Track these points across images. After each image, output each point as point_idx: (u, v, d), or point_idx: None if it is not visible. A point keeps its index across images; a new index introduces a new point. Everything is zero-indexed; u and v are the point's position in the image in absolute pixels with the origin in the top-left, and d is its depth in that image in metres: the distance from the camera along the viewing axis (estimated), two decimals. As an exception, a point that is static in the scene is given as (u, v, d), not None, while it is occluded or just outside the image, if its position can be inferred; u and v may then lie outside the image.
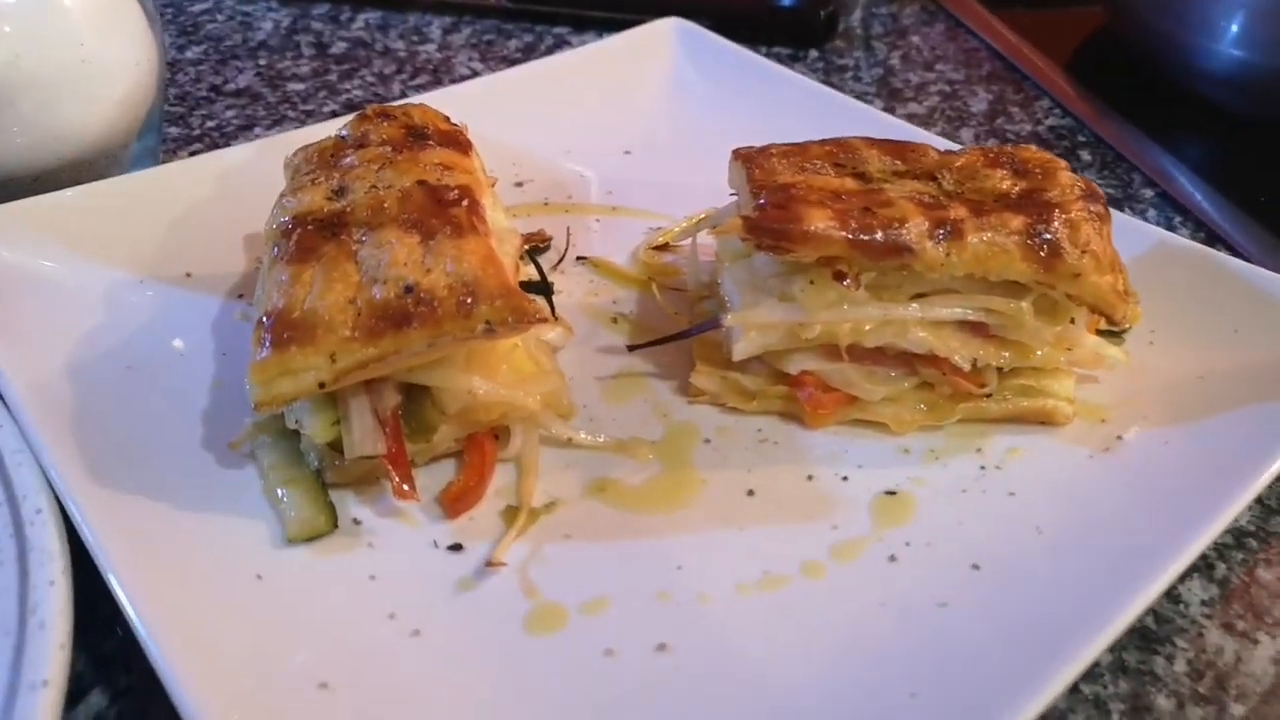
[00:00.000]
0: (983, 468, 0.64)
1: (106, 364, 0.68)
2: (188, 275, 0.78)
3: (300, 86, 1.14)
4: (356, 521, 0.60)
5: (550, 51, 1.24)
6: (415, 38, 1.25)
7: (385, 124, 0.73)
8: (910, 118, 1.07)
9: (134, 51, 0.83)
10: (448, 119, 0.76)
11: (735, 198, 0.75)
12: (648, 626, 0.54)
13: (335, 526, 0.59)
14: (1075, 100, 1.15)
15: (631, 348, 0.72)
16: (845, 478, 0.63)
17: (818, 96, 0.99)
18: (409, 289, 0.58)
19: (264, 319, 0.58)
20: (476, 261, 0.60)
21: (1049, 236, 0.63)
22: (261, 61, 1.18)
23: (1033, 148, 0.71)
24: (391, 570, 0.57)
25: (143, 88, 0.85)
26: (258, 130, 1.05)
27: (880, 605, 0.55)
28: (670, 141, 0.98)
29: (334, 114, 1.08)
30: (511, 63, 1.21)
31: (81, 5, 0.79)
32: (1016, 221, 0.63)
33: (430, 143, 0.70)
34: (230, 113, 1.08)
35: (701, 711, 0.50)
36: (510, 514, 0.60)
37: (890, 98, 1.15)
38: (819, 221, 0.62)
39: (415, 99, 0.89)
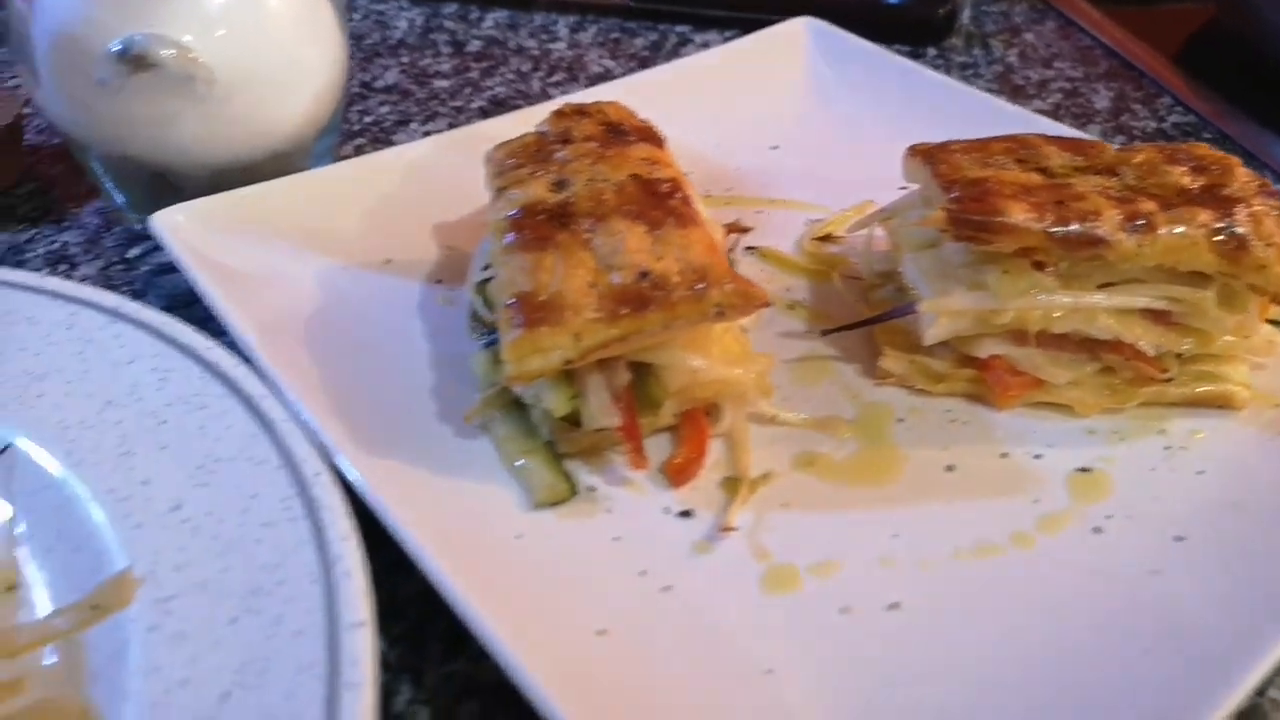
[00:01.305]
0: (1168, 448, 0.68)
1: (338, 343, 0.73)
2: (388, 262, 0.83)
3: (445, 84, 1.19)
4: (591, 489, 0.64)
5: (675, 49, 1.28)
6: (544, 36, 1.30)
7: (584, 120, 0.77)
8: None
9: (330, 50, 0.88)
10: (635, 115, 0.80)
11: (905, 190, 0.79)
12: (877, 587, 0.59)
13: (575, 493, 0.64)
14: (1193, 97, 1.18)
15: (825, 332, 0.76)
16: (1038, 455, 0.67)
17: (954, 92, 1.03)
18: (644, 275, 0.63)
19: (512, 302, 0.63)
20: (702, 250, 0.65)
21: (1235, 230, 0.66)
22: (404, 59, 1.23)
23: (1204, 146, 0.75)
24: (632, 532, 0.62)
25: (335, 85, 0.90)
26: (413, 125, 1.10)
27: (1093, 573, 0.59)
28: (814, 137, 1.02)
29: (483, 110, 1.13)
30: (640, 61, 1.25)
31: (288, 7, 0.85)
32: (1203, 215, 0.67)
33: (631, 138, 0.75)
34: (384, 109, 1.13)
35: (938, 667, 0.55)
36: (730, 484, 0.65)
37: (1014, 95, 1.18)
38: (1018, 214, 0.66)
39: (563, 97, 0.94)
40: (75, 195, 0.97)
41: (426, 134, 1.08)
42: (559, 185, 0.70)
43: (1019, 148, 0.74)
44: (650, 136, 0.77)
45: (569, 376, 0.65)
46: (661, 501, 0.64)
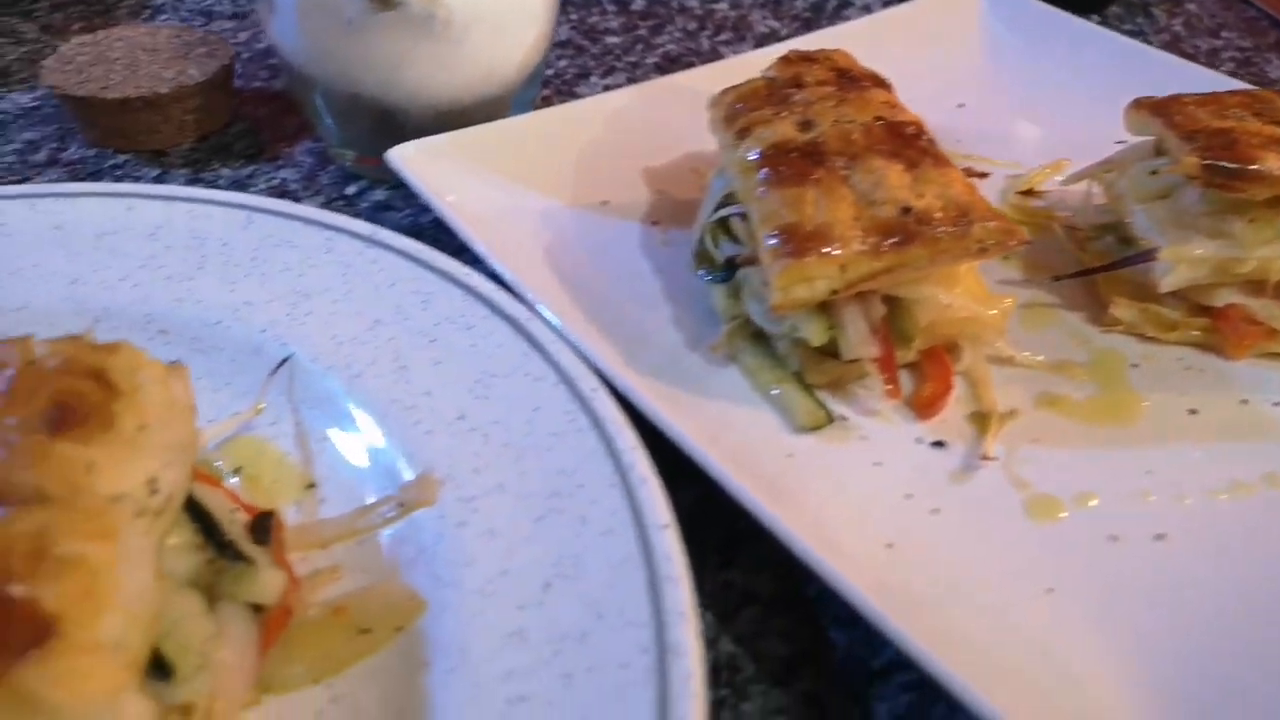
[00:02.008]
0: None
1: (572, 275, 0.76)
2: (605, 203, 0.86)
3: (616, 40, 1.21)
4: (843, 419, 0.67)
5: (836, 10, 1.29)
6: (705, -4, 1.32)
7: (814, 66, 0.79)
8: (1215, 82, 1.11)
9: (547, -3, 0.91)
10: (859, 63, 0.82)
11: (1123, 145, 0.80)
12: (1141, 518, 0.60)
13: (832, 420, 0.66)
14: (1369, 69, 1.17)
15: (1058, 278, 0.77)
16: (1277, 404, 0.68)
17: (1135, 52, 1.04)
18: (907, 210, 0.65)
19: (776, 234, 0.65)
20: (962, 187, 0.66)
21: None
22: (573, 17, 1.26)
23: None
24: (890, 459, 0.64)
25: (548, 32, 0.93)
26: (593, 79, 1.13)
27: (1355, 513, 0.60)
28: (997, 95, 1.03)
29: (658, 66, 1.15)
30: (803, 21, 1.27)
31: (513, -49, 0.87)
32: None
33: (864, 84, 0.77)
34: (563, 62, 1.16)
35: (1208, 598, 0.56)
36: (977, 418, 0.67)
37: (1186, 63, 1.18)
38: (1273, 163, 0.67)
39: (734, 56, 0.96)
40: (284, 135, 1.01)
41: (606, 87, 1.11)
42: (805, 125, 0.72)
43: (1254, 102, 0.75)
44: (881, 82, 0.78)
45: (824, 308, 0.67)
46: (912, 432, 0.66)
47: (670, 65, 1.16)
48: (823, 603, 0.59)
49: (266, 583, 0.51)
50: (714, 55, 1.18)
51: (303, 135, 1.01)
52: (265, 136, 1.01)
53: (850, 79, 0.77)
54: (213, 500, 0.54)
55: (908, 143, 0.70)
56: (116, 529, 0.44)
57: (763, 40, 1.21)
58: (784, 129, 0.72)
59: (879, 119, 0.72)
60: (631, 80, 1.12)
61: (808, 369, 0.68)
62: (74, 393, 0.49)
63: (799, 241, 0.64)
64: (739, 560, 0.61)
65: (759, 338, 0.71)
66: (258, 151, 0.99)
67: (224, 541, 0.51)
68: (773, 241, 0.65)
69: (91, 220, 0.79)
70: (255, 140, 1.00)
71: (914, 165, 0.67)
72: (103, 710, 0.39)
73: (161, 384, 0.54)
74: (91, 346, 0.53)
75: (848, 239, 0.64)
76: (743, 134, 0.74)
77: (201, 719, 0.46)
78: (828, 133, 0.71)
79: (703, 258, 0.78)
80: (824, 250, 0.64)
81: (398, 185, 0.92)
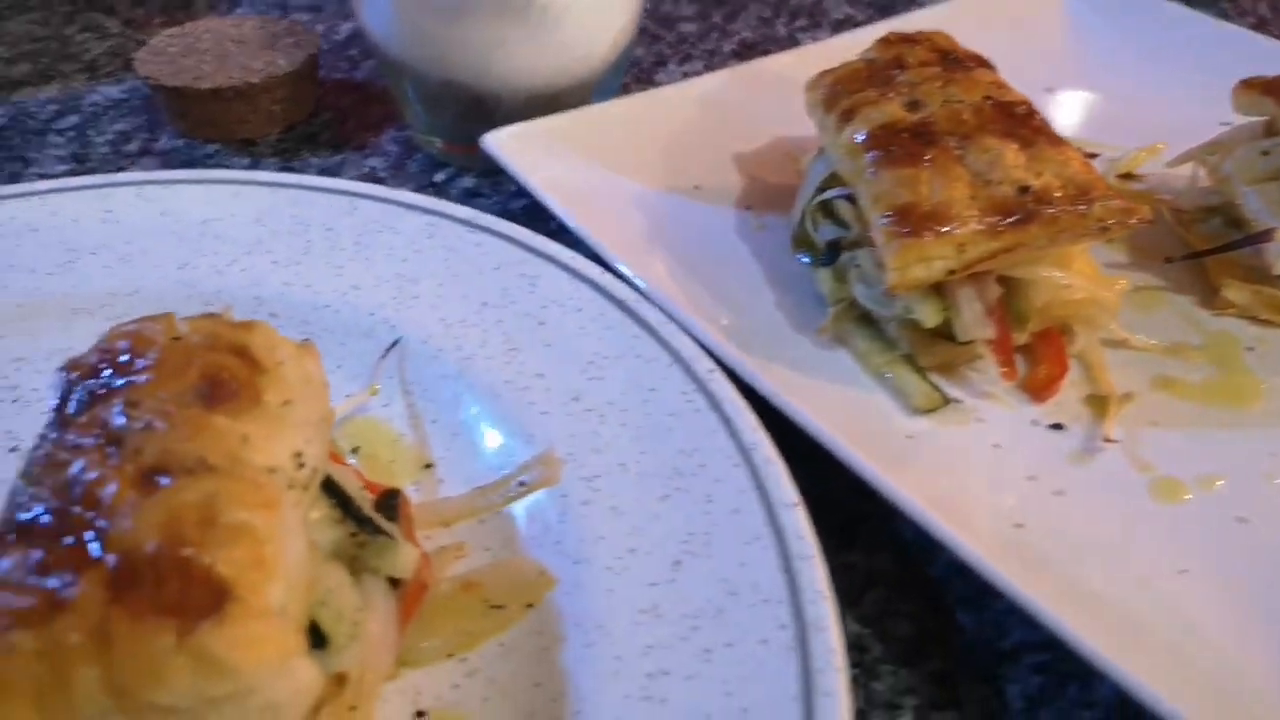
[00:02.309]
0: None
1: (670, 259, 0.76)
2: (697, 188, 0.86)
3: (691, 28, 1.21)
4: (956, 401, 0.66)
5: (910, -2, 1.28)
6: (777, -17, 1.31)
7: (915, 48, 0.79)
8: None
9: (635, -16, 0.91)
10: (959, 44, 0.81)
11: (1227, 126, 0.79)
12: (1268, 499, 0.59)
13: (948, 402, 0.65)
14: None
15: (1170, 260, 0.76)
16: (1403, 385, 0.67)
17: (1224, 33, 1.02)
18: (1025, 189, 0.64)
19: (890, 214, 0.65)
20: (1080, 166, 0.66)
21: None
22: (647, 5, 1.26)
23: None
24: (1009, 441, 0.63)
25: (635, 19, 0.93)
26: (671, 66, 1.13)
27: None
28: (1083, 79, 1.02)
29: (735, 53, 1.15)
30: (879, 7, 1.26)
31: (604, -63, 0.88)
32: None
33: (968, 64, 0.76)
34: (640, 50, 1.16)
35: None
36: (1094, 401, 0.66)
37: (1273, 46, 1.16)
38: (1401, 140, 0.65)
39: (812, 43, 0.95)
40: (368, 124, 1.02)
41: (685, 74, 1.11)
42: (913, 106, 0.72)
43: (1368, 80, 0.73)
44: (984, 63, 0.77)
45: (937, 290, 0.66)
46: (1027, 415, 0.65)
47: (747, 52, 1.15)
48: (946, 584, 0.59)
49: (404, 557, 0.51)
50: (791, 42, 1.17)
51: (386, 124, 1.02)
52: (350, 126, 1.02)
53: (954, 60, 0.77)
54: (343, 477, 0.55)
55: (1020, 122, 0.69)
56: (278, 499, 0.45)
57: (839, 26, 1.20)
58: (891, 110, 0.71)
59: (988, 99, 0.71)
60: (709, 68, 1.12)
61: (919, 351, 0.68)
62: (222, 368, 0.50)
63: (915, 221, 0.64)
64: (858, 543, 0.61)
65: (866, 320, 0.70)
66: (344, 141, 1.00)
67: (361, 516, 0.52)
68: (887, 222, 0.65)
69: (197, 206, 0.80)
70: (340, 130, 1.01)
71: (1029, 144, 0.67)
72: (278, 674, 0.39)
73: (297, 361, 0.54)
74: (230, 324, 0.54)
75: (965, 219, 0.63)
76: (847, 116, 0.73)
77: (353, 690, 0.47)
78: (937, 113, 0.70)
79: (802, 241, 0.78)
80: (941, 230, 0.63)
81: (486, 172, 0.93)
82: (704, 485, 0.57)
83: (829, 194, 0.74)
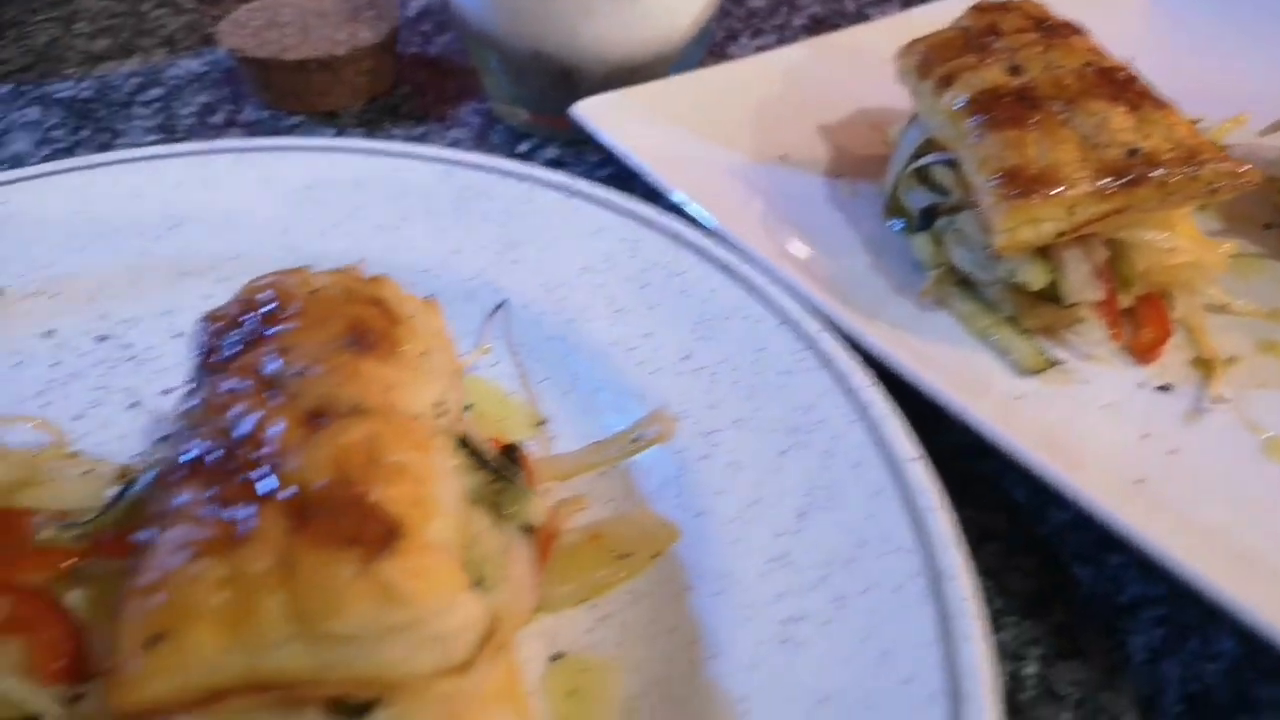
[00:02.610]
0: None
1: (765, 224, 0.77)
2: (784, 157, 0.86)
3: (761, 3, 1.21)
4: (1060, 362, 0.67)
5: (977, -27, 1.27)
6: (840, -40, 1.31)
7: (1008, 15, 0.78)
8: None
9: (718, -46, 0.92)
10: (1051, 10, 0.81)
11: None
12: (1387, 461, 0.59)
13: (1054, 364, 0.66)
14: None
15: (1268, 226, 0.76)
16: None
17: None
18: (1133, 152, 0.64)
19: (998, 176, 0.65)
20: (1187, 130, 0.66)
21: None
22: (713, -19, 1.26)
23: None
24: (1118, 401, 0.64)
25: (719, -10, 0.93)
26: (743, 40, 1.13)
27: None
28: (1164, 49, 1.01)
29: (805, 28, 1.15)
30: (947, -17, 1.25)
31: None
32: None
33: (1065, 31, 0.76)
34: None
35: None
36: (1200, 363, 0.66)
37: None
38: None
39: (882, 17, 0.95)
40: (448, 97, 1.03)
41: (758, 48, 1.11)
42: (1014, 71, 0.72)
43: None
44: (1079, 30, 0.77)
45: (1043, 253, 0.67)
46: (1133, 376, 0.66)
47: (817, 26, 1.15)
48: (1061, 540, 0.59)
49: (537, 504, 0.52)
50: (860, 17, 1.17)
51: (466, 97, 1.03)
52: (430, 98, 1.03)
53: (1050, 26, 0.77)
54: (470, 429, 0.56)
55: (1124, 86, 0.69)
56: (430, 441, 0.46)
57: (908, 1, 1.20)
58: (992, 75, 0.71)
59: (1088, 64, 0.71)
60: (781, 42, 1.12)
61: (1022, 314, 0.68)
62: (364, 318, 0.51)
63: (1024, 183, 0.64)
64: (968, 502, 0.61)
65: (965, 285, 0.71)
66: (425, 113, 1.01)
67: (493, 466, 0.53)
68: (995, 184, 0.65)
69: (295, 173, 0.81)
70: (421, 102, 1.03)
71: (1135, 108, 0.67)
72: (449, 606, 0.40)
73: (426, 315, 0.56)
74: (361, 279, 0.55)
75: (1074, 181, 0.64)
76: (945, 82, 0.73)
77: (502, 630, 0.48)
78: (1039, 78, 0.70)
79: (895, 208, 0.78)
80: (1051, 192, 0.63)
81: (570, 143, 0.94)
82: (822, 441, 0.58)
83: (925, 160, 0.75)
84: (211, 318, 0.53)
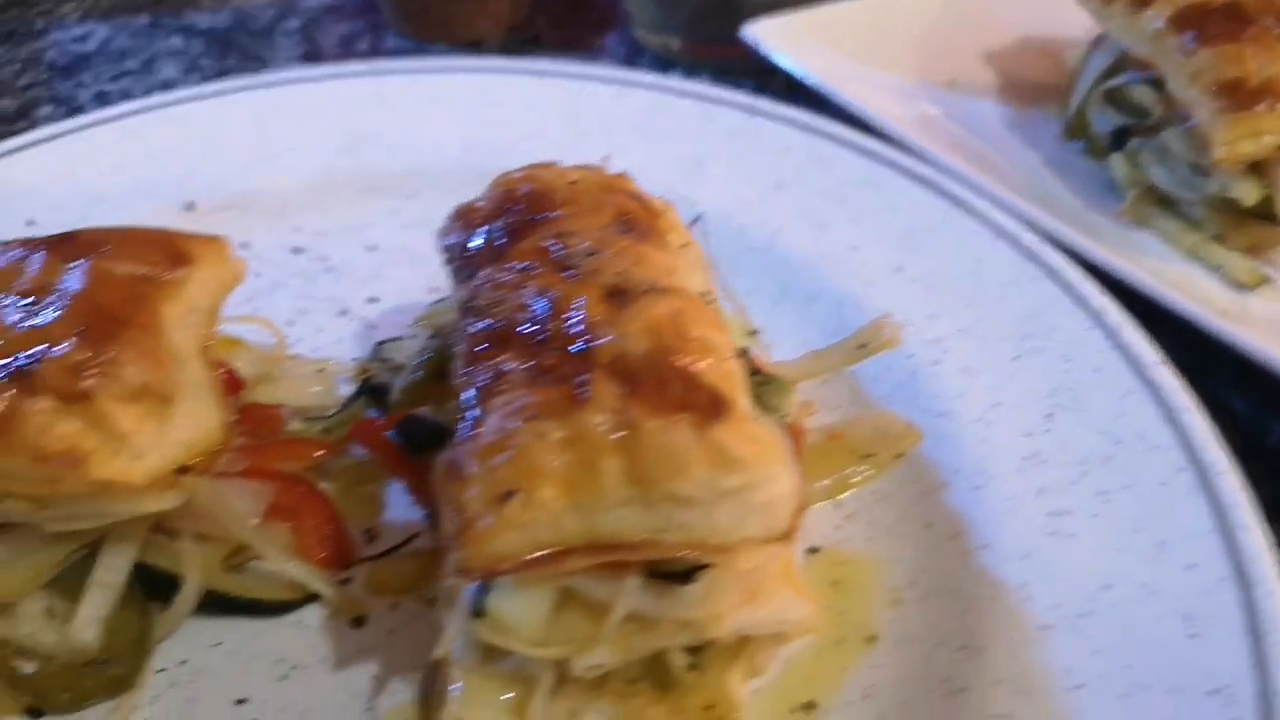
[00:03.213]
0: None
1: (954, 147, 0.76)
2: (952, 81, 0.85)
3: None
4: (1272, 280, 0.66)
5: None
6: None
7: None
8: None
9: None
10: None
11: None
12: None
13: (1269, 279, 0.65)
14: None
15: None
16: None
17: None
18: (1358, 65, 0.64)
19: (1215, 90, 0.64)
20: None
21: None
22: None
23: None
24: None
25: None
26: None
27: None
28: None
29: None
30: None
31: None
32: None
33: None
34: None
35: None
36: None
37: None
38: None
39: None
40: (589, 27, 1.02)
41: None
42: (1215, -12, 0.71)
43: None
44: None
45: (1255, 168, 0.66)
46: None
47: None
48: (1289, 451, 0.59)
49: (794, 398, 0.53)
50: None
51: (604, 27, 1.02)
52: (568, 30, 1.03)
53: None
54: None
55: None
56: (723, 320, 0.46)
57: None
58: (1191, -6, 0.71)
59: (1285, -15, 0.70)
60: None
61: (1228, 232, 0.68)
62: (629, 208, 0.51)
63: (1243, 96, 0.63)
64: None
65: (1165, 204, 0.70)
66: (566, 44, 1.00)
67: (754, 359, 0.53)
68: (1213, 97, 0.64)
69: (468, 94, 0.81)
70: (560, 34, 1.02)
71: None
72: (777, 474, 0.41)
73: (669, 212, 0.56)
74: (608, 175, 0.55)
75: (1303, 92, 0.63)
76: (1142, 2, 0.72)
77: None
78: (1244, -9, 0.70)
79: (1078, 130, 0.78)
80: (1272, 105, 0.63)
81: (723, 71, 0.93)
82: (1058, 347, 0.58)
83: (1118, 80, 0.74)
84: (466, 211, 0.53)
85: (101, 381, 0.43)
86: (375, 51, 1.00)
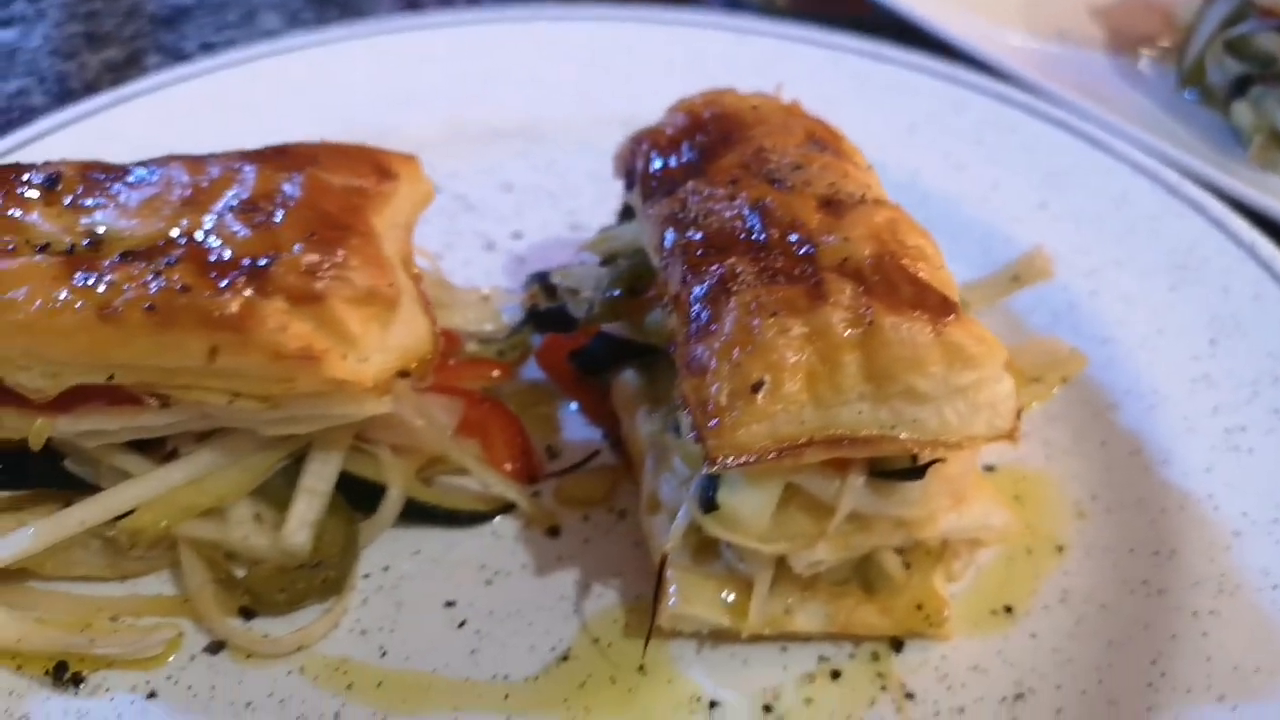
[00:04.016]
0: None
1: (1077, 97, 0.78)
2: (1061, 33, 0.86)
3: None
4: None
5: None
6: None
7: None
8: None
9: None
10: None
11: None
12: None
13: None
14: None
15: None
16: None
17: None
18: None
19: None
20: None
21: None
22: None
23: None
24: None
25: None
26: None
27: None
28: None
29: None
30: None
31: None
32: None
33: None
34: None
35: None
36: None
37: None
38: None
39: None
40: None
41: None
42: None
43: None
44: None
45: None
46: None
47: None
48: None
49: (970, 321, 0.54)
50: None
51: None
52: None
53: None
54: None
55: None
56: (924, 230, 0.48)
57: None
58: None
59: None
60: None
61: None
62: (816, 129, 0.52)
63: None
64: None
65: (1286, 143, 0.72)
66: (667, -2, 1.01)
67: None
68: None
69: (583, 42, 0.81)
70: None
71: None
72: (1003, 374, 0.42)
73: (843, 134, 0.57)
74: (782, 100, 0.56)
75: None
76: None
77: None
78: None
79: (1194, 78, 0.79)
80: None
81: (826, 24, 0.94)
82: (1214, 277, 0.59)
83: (1241, 28, 0.75)
84: (652, 133, 0.54)
85: (333, 284, 0.45)
86: (474, 3, 1.00)
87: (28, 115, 0.93)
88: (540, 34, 0.83)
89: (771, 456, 0.41)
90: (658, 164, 0.53)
